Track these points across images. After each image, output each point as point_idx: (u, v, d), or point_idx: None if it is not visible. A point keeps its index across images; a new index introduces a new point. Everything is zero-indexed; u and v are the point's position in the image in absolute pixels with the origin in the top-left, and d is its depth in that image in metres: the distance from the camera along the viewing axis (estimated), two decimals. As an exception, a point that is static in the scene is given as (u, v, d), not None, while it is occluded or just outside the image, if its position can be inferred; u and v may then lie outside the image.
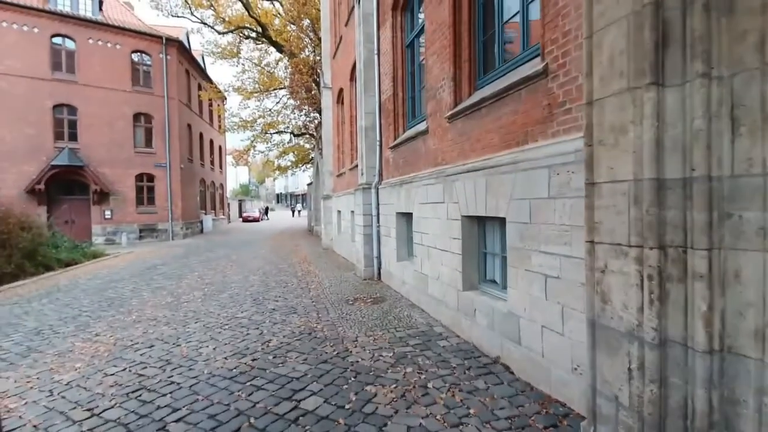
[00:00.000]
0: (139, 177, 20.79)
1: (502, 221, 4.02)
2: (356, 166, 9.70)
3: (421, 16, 6.47)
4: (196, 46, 26.31)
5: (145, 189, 21.04)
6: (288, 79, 20.67)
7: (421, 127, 5.85)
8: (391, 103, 7.28)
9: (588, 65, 2.04)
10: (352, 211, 10.18)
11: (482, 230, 4.56)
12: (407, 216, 6.74)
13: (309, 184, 28.51)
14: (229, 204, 38.35)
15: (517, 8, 3.91)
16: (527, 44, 3.81)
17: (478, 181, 4.15)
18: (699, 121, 1.63)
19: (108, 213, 20.03)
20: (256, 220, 40.21)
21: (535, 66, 3.33)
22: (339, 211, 13.07)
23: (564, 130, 3.02)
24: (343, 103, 12.73)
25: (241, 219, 41.80)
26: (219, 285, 8.25)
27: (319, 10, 17.41)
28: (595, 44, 2.00)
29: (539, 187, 3.19)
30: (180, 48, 22.38)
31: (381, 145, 7.93)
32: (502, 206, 3.73)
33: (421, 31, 6.32)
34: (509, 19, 4.09)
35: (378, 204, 7.95)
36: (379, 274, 8.11)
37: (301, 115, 21.73)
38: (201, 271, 10.16)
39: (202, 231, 25.64)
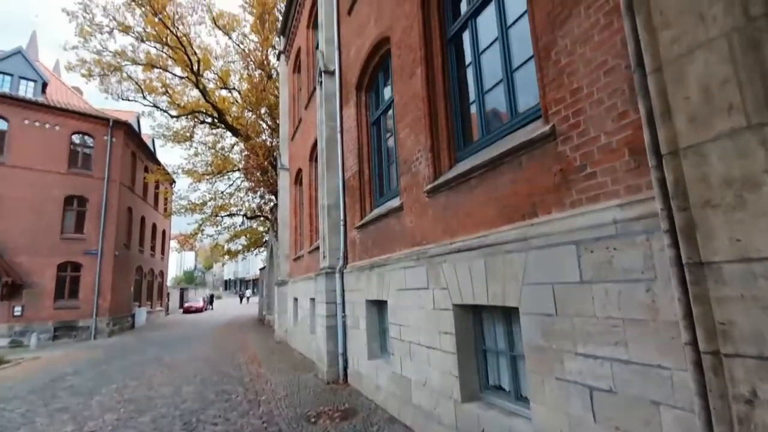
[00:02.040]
0: (63, 266, 18.29)
1: (509, 312, 3.28)
2: (317, 248, 8.84)
3: (387, 92, 6.34)
4: (147, 129, 25.64)
5: (68, 280, 18.41)
6: (243, 162, 20.23)
7: (394, 203, 5.27)
8: (356, 180, 6.78)
9: (662, 105, 1.53)
10: (312, 299, 9.05)
11: (479, 322, 3.77)
12: (380, 304, 5.82)
13: (262, 269, 26.77)
14: (169, 294, 34.80)
15: (499, 77, 3.65)
16: (516, 110, 3.48)
17: (473, 263, 3.47)
18: None
19: (18, 310, 17.01)
20: (199, 310, 36.25)
21: (536, 129, 2.91)
22: (296, 299, 11.77)
23: (588, 199, 2.49)
24: (301, 184, 12.22)
25: (182, 310, 37.57)
26: (141, 402, 6.50)
27: (277, 97, 17.76)
28: (670, 78, 1.50)
29: (565, 268, 2.54)
30: (128, 131, 21.61)
31: (345, 225, 7.24)
32: (511, 293, 3.02)
33: (388, 108, 6.11)
34: (492, 87, 3.82)
35: (343, 290, 6.99)
36: (346, 375, 6.83)
37: (255, 197, 20.98)
38: (121, 382, 8.20)
39: (133, 326, 22.42)
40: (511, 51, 3.55)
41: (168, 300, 33.85)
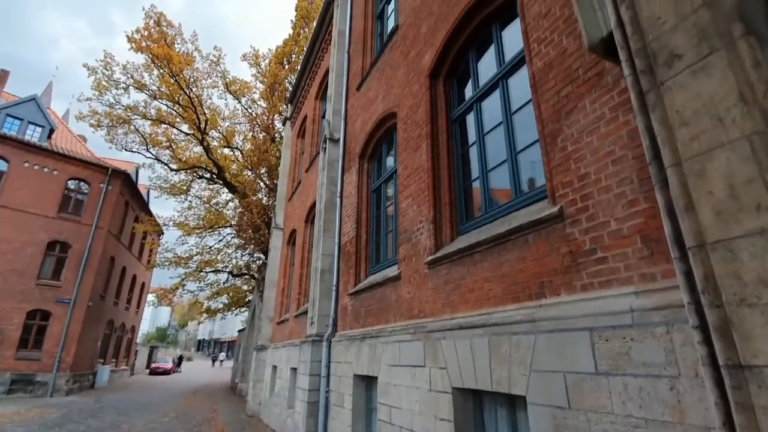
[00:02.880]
0: (32, 314, 17.24)
1: (515, 400, 3.05)
2: (304, 312, 8.49)
3: (389, 162, 6.54)
4: (145, 180, 25.85)
5: (34, 329, 17.25)
6: (236, 218, 20.20)
7: (391, 272, 5.16)
8: (353, 246, 6.71)
9: (685, 198, 1.54)
10: (294, 369, 8.47)
11: (481, 409, 3.49)
12: (369, 381, 5.44)
13: (241, 331, 25.49)
14: (137, 351, 32.55)
15: (503, 157, 3.79)
16: (520, 189, 3.55)
17: (476, 342, 3.30)
18: None
19: (-26, 357, 15.65)
20: (167, 372, 33.57)
21: (544, 209, 2.94)
22: (275, 367, 11.03)
23: (600, 283, 2.44)
24: (294, 244, 12.10)
25: (148, 370, 34.76)
26: (89, 481, 5.70)
27: (278, 159, 18.29)
28: (690, 172, 1.54)
29: (579, 356, 2.40)
30: (125, 180, 21.77)
31: (338, 291, 7.02)
32: (518, 379, 2.82)
33: (390, 177, 6.25)
34: (495, 166, 3.94)
35: (329, 362, 6.57)
36: (324, 460, 6.16)
37: (244, 255, 20.62)
38: (69, 454, 7.28)
39: (93, 386, 20.58)
40: (515, 134, 3.72)
41: (135, 358, 31.57)
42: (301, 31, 20.82)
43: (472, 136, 4.43)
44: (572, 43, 2.89)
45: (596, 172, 2.59)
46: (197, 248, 20.56)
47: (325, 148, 8.32)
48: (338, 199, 7.64)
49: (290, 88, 18.00)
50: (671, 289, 1.96)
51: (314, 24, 14.52)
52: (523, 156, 3.60)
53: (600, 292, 2.41)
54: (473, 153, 4.38)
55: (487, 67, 4.35)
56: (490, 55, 4.30)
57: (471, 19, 4.39)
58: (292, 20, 21.26)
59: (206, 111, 20.55)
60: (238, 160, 21.68)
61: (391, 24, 7.33)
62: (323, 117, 11.24)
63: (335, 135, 8.27)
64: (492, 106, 4.12)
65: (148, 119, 20.53)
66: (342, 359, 6.15)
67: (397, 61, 6.08)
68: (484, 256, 3.48)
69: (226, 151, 21.95)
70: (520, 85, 3.70)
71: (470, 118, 4.51)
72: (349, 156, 7.76)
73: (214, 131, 21.22)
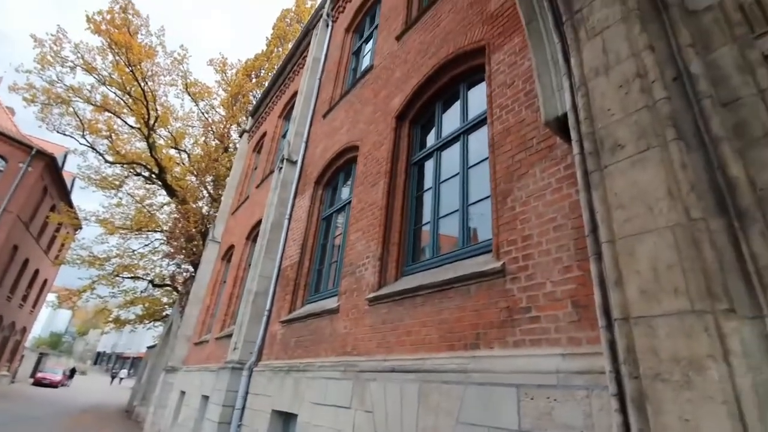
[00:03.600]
0: None
1: (436, 451, 3.01)
2: (228, 336, 7.93)
3: (345, 192, 6.54)
4: (72, 167, 23.55)
5: None
6: (170, 224, 18.87)
7: (330, 304, 5.04)
8: (294, 271, 6.50)
9: (616, 273, 1.68)
10: (205, 396, 7.77)
11: (401, 458, 3.39)
12: (288, 418, 5.11)
13: (150, 347, 23.20)
14: (23, 356, 28.26)
15: (455, 207, 3.95)
16: (468, 240, 3.70)
17: (406, 387, 3.25)
18: (807, 372, 1.22)
19: None
20: (54, 385, 29.22)
21: (488, 263, 3.07)
22: (183, 392, 10.05)
23: (531, 341, 2.54)
24: (230, 261, 11.47)
25: (32, 380, 30.01)
26: None
27: (228, 169, 17.63)
28: (622, 250, 1.69)
29: (503, 412, 2.45)
30: (50, 164, 19.75)
31: (269, 317, 6.68)
32: (444, 430, 2.80)
33: (343, 207, 6.24)
34: (447, 214, 4.09)
35: (247, 393, 6.11)
36: (223, 503, 5.58)
37: (171, 264, 19.14)
38: None
39: (-48, 394, 17.37)
40: (470, 186, 3.91)
41: (20, 364, 27.32)
42: (275, 50, 20.90)
43: (428, 181, 4.59)
44: (530, 115, 3.17)
45: (539, 235, 2.77)
46: (118, 250, 18.79)
47: (281, 168, 8.17)
48: (286, 221, 7.44)
49: (254, 102, 17.74)
50: (595, 355, 2.09)
51: (290, 45, 14.66)
52: (474, 208, 3.77)
53: (530, 350, 2.51)
54: (427, 198, 4.52)
55: (451, 119, 4.61)
56: (455, 109, 4.57)
57: (442, 75, 4.68)
58: (267, 38, 21.35)
59: (158, 107, 19.53)
60: (183, 164, 20.59)
61: (366, 62, 7.60)
62: (284, 136, 11.13)
63: (294, 157, 8.18)
64: (451, 156, 4.33)
65: (92, 104, 19.05)
66: (262, 392, 5.76)
67: (367, 98, 6.25)
68: (426, 299, 3.51)
69: (173, 152, 20.80)
70: (479, 142, 3.94)
71: (429, 165, 4.69)
72: (304, 180, 7.67)
73: (163, 129, 20.11)
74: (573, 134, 2.10)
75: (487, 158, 3.60)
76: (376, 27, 7.49)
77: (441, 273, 3.51)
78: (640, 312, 1.56)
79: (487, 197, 3.47)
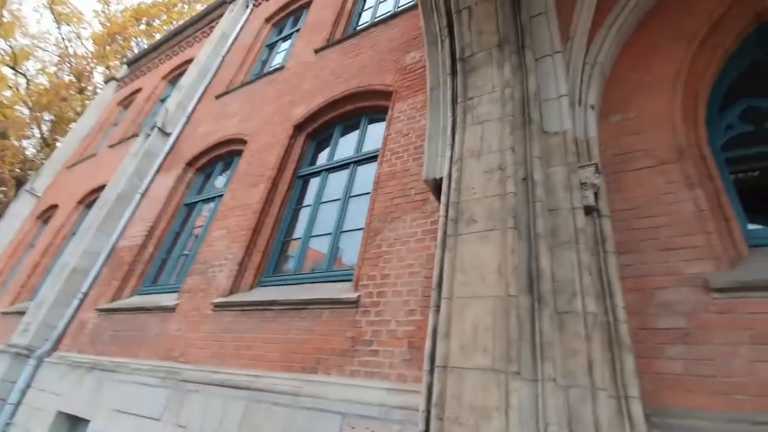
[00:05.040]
0: None
1: (247, 473, 2.90)
2: (20, 313, 6.39)
3: (219, 183, 6.09)
4: None
5: None
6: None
7: (167, 300, 4.52)
8: (132, 255, 5.66)
9: (446, 326, 1.96)
10: (-42, 386, 6.01)
11: (206, 479, 3.16)
12: (77, 424, 4.29)
13: None
14: None
15: (329, 230, 4.04)
16: (332, 264, 3.80)
17: (232, 405, 3.09)
18: (554, 428, 1.61)
19: None
20: None
21: (345, 291, 3.21)
22: None
23: (366, 373, 2.72)
24: (46, 223, 9.38)
25: None
26: None
27: (78, 114, 14.67)
28: (455, 308, 1.98)
29: (325, 438, 2.53)
30: None
31: (84, 300, 5.63)
32: (260, 452, 2.74)
33: (212, 199, 5.78)
34: (319, 235, 4.15)
35: (29, 386, 4.95)
36: None
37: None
38: None
39: None
40: (347, 214, 4.06)
41: None
42: (179, 4, 18.69)
43: (310, 198, 4.61)
44: (415, 167, 3.50)
45: (396, 277, 3.02)
46: None
47: (149, 135, 7.19)
48: (138, 196, 6.51)
49: (136, 51, 15.37)
50: (414, 393, 2.35)
51: (198, 7, 13.30)
52: (346, 236, 3.92)
53: (363, 381, 2.68)
54: (304, 213, 4.53)
55: (347, 146, 4.76)
56: (352, 137, 4.75)
57: (349, 102, 4.85)
58: (174, -11, 18.99)
59: (5, 13, 15.40)
60: (17, 90, 16.41)
61: (278, 60, 7.38)
62: (163, 101, 9.88)
63: (169, 128, 7.30)
64: (338, 181, 4.45)
65: None
66: (49, 388, 4.74)
67: (270, 97, 6.04)
68: (277, 315, 3.45)
69: (7, 71, 16.45)
70: (366, 176, 4.15)
71: (315, 182, 4.73)
72: (174, 157, 6.88)
73: (2, 40, 15.84)
74: (443, 198, 2.41)
75: (369, 193, 3.82)
76: (298, 30, 7.39)
77: (299, 291, 3.51)
78: (456, 363, 1.84)
79: (360, 229, 3.66)
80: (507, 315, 1.83)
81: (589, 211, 2.19)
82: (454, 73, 2.83)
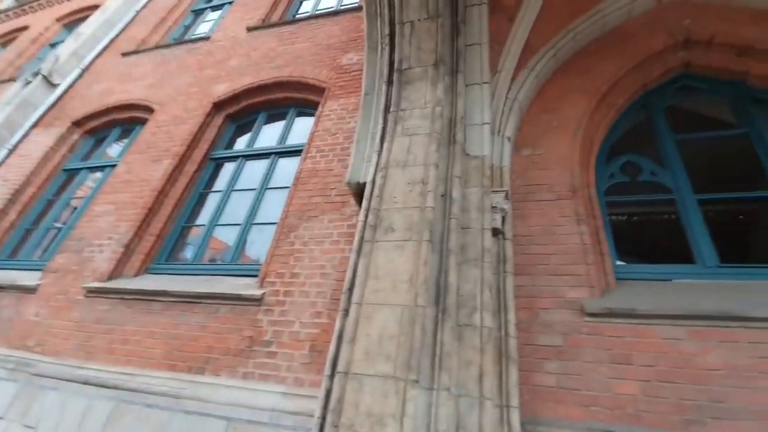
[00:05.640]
0: None
1: (104, 485, 2.54)
2: None
3: (113, 152, 5.35)
4: None
5: None
6: None
7: (27, 279, 3.80)
8: (-16, 220, 4.67)
9: (353, 331, 1.94)
10: None
11: (48, 493, 2.68)
12: None
13: None
14: None
15: (239, 220, 3.78)
16: (238, 257, 3.56)
17: (96, 405, 2.68)
18: (443, 435, 1.68)
19: None
20: None
21: (249, 287, 3.01)
22: None
23: (260, 376, 2.57)
24: None
25: None
26: None
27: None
28: (364, 313, 1.97)
29: (205, 445, 2.32)
30: None
31: None
32: (124, 461, 2.41)
33: (102, 168, 5.05)
34: (227, 224, 3.86)
35: None
36: None
37: None
38: None
39: None
40: (261, 206, 3.85)
41: None
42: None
43: (221, 183, 4.28)
44: (339, 168, 3.46)
45: (306, 277, 2.93)
46: None
47: (30, 82, 6.06)
48: (5, 152, 5.41)
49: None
50: (310, 399, 2.28)
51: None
52: (257, 229, 3.70)
53: (256, 384, 2.52)
54: (212, 199, 4.18)
55: (270, 135, 4.53)
56: (277, 128, 4.53)
57: (278, 90, 4.63)
58: None
59: None
60: None
61: (204, 29, 6.76)
62: (53, 46, 8.43)
63: (57, 79, 6.23)
64: (255, 170, 4.20)
65: None
66: None
67: (189, 66, 5.50)
68: (166, 308, 3.10)
69: None
70: (287, 169, 3.98)
71: (229, 167, 4.40)
72: (59, 112, 5.87)
73: None
74: (364, 203, 2.40)
75: (288, 188, 3.66)
76: (231, 2, 6.88)
77: (196, 283, 3.21)
78: (359, 369, 1.83)
79: (273, 224, 3.48)
80: (413, 324, 1.88)
81: (495, 233, 2.36)
82: (390, 82, 2.86)
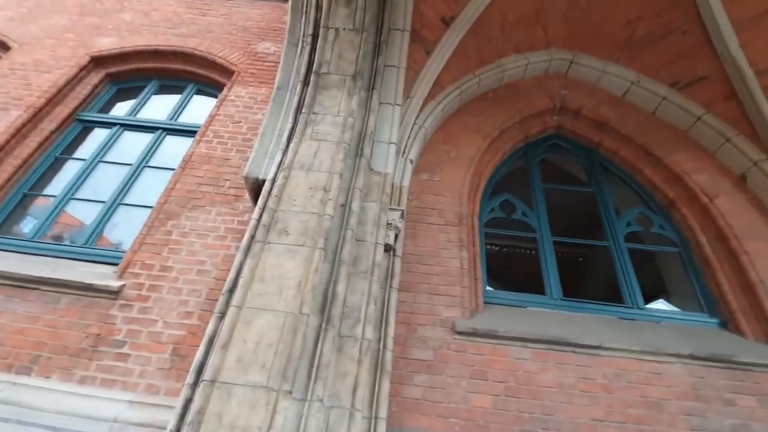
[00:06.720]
0: None
1: None
2: None
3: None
4: None
5: None
6: None
7: None
8: None
9: (228, 336, 1.79)
10: None
11: None
12: None
13: None
14: None
15: (104, 197, 3.26)
16: (95, 240, 3.05)
17: None
18: (309, 448, 1.65)
19: None
20: None
21: (105, 277, 2.59)
22: None
23: (103, 381, 2.21)
24: None
25: None
26: None
27: None
28: (243, 318, 1.85)
29: (12, 465, 1.89)
30: None
31: None
32: None
33: None
34: (87, 200, 3.29)
35: None
36: None
37: None
38: None
39: None
40: (135, 184, 3.38)
41: None
42: None
43: (87, 150, 3.65)
44: (237, 159, 3.23)
45: (179, 272, 2.64)
46: None
47: None
48: None
49: None
50: (164, 409, 2.04)
51: None
52: (125, 210, 3.23)
53: (96, 391, 2.16)
54: (72, 167, 3.54)
55: (160, 107, 4.03)
56: (170, 100, 4.06)
57: (177, 61, 4.17)
58: None
59: None
60: None
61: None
62: None
63: None
64: (134, 142, 3.69)
65: None
66: None
67: (68, 8, 4.62)
68: (-19, 291, 2.48)
69: None
70: (174, 149, 3.58)
71: (101, 133, 3.78)
72: None
73: None
74: (260, 201, 2.28)
75: (173, 170, 3.29)
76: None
77: (33, 265, 2.64)
78: (228, 378, 1.69)
79: (149, 207, 3.08)
80: (294, 332, 1.82)
81: (387, 248, 2.45)
82: (306, 82, 2.80)
